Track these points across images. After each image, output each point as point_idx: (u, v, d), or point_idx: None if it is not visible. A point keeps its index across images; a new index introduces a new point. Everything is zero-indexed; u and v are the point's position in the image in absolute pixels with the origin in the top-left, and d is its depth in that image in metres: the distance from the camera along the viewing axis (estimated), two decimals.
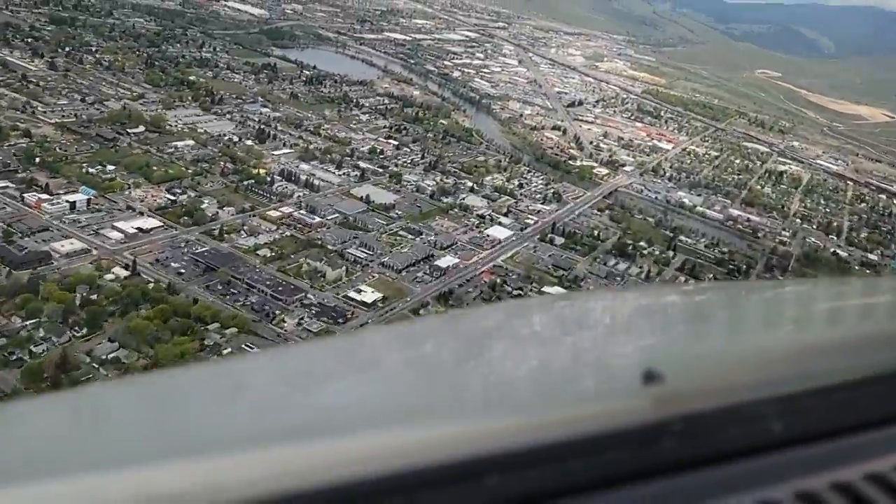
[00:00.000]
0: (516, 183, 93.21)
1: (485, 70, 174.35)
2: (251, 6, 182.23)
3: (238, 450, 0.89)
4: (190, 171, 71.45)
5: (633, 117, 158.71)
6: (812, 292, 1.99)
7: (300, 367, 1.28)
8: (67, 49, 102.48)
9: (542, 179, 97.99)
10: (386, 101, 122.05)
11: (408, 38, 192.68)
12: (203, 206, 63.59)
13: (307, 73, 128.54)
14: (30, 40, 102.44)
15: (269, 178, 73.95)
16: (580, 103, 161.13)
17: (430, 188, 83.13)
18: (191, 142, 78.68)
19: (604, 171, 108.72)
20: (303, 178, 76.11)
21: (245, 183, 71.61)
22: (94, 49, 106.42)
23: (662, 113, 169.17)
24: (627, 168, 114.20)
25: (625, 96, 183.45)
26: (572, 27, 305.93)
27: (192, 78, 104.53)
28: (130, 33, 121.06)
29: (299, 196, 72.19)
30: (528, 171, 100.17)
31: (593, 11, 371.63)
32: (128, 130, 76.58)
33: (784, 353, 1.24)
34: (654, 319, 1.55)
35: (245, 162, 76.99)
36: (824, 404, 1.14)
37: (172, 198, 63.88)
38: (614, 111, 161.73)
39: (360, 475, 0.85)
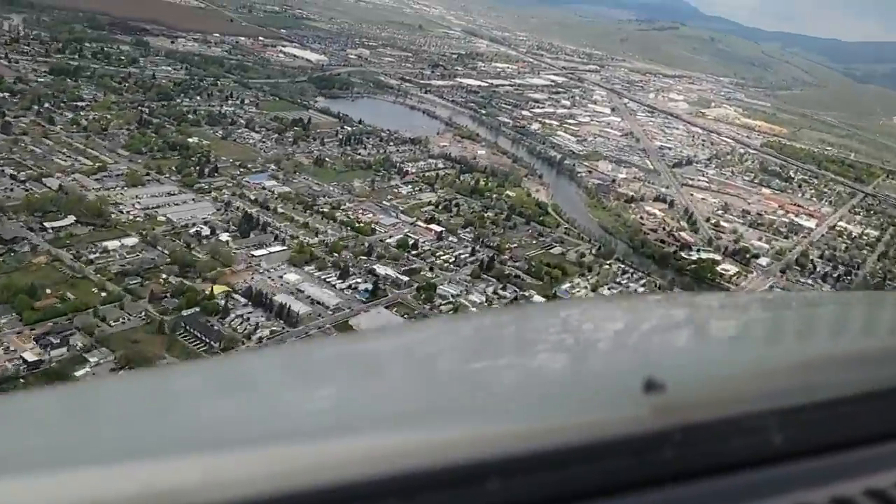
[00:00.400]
0: (606, 292, 64.00)
1: (570, 121, 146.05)
2: (311, 52, 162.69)
3: (236, 448, 0.87)
4: (104, 294, 46.91)
5: (756, 180, 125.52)
6: (815, 305, 1.94)
7: (300, 367, 1.25)
8: (46, 105, 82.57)
9: (644, 284, 68.26)
10: (439, 166, 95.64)
11: (483, 83, 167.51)
12: (79, 373, 38.40)
13: (348, 128, 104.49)
14: (5, 95, 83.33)
15: (223, 304, 48.38)
16: (689, 162, 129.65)
17: (475, 311, 55.52)
18: (134, 240, 54.53)
19: (731, 267, 77.47)
20: (279, 300, 50.05)
21: (183, 314, 46.36)
22: (83, 105, 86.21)
23: (792, 173, 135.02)
24: (762, 260, 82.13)
25: (742, 151, 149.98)
26: (672, 69, 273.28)
27: (192, 140, 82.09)
28: (144, 85, 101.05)
29: (262, 337, 46.16)
30: (624, 271, 70.69)
31: (695, 52, 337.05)
32: (44, 224, 53.44)
33: (786, 366, 1.22)
34: (657, 328, 1.50)
35: (201, 273, 52.06)
36: (826, 418, 1.12)
37: (36, 357, 39.08)
38: (732, 172, 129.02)
39: (361, 477, 0.84)
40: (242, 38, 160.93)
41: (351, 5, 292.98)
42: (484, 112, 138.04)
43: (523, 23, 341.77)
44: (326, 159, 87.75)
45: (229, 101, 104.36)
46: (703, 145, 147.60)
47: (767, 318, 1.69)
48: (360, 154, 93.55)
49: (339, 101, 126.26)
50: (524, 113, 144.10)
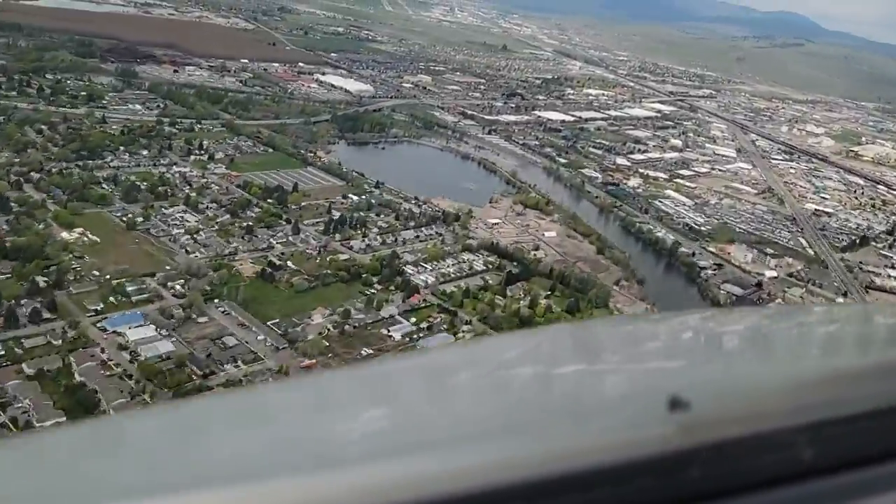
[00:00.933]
0: None
1: (683, 171, 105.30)
2: (354, 80, 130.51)
3: (262, 480, 0.86)
4: None
5: None
6: (841, 317, 1.89)
7: (326, 395, 1.23)
8: None
9: None
10: (476, 266, 58.91)
11: (568, 118, 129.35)
12: None
13: (354, 198, 69.93)
14: None
15: None
16: (863, 239, 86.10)
17: None
18: None
19: None
20: None
21: None
22: None
23: None
24: None
25: None
26: (803, 93, 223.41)
27: (66, 235, 49.43)
28: (74, 134, 70.72)
29: None
30: None
31: (825, 72, 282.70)
32: None
33: (811, 380, 1.19)
34: (680, 346, 1.49)
35: None
36: (854, 432, 1.08)
37: None
38: None
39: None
40: (276, 65, 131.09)
41: (432, 26, 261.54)
42: (564, 161, 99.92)
43: (624, 41, 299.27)
44: (287, 264, 53.09)
45: (192, 156, 72.29)
46: (873, 207, 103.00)
47: (791, 332, 1.64)
48: (350, 247, 58.36)
49: (365, 150, 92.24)
50: (619, 161, 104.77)
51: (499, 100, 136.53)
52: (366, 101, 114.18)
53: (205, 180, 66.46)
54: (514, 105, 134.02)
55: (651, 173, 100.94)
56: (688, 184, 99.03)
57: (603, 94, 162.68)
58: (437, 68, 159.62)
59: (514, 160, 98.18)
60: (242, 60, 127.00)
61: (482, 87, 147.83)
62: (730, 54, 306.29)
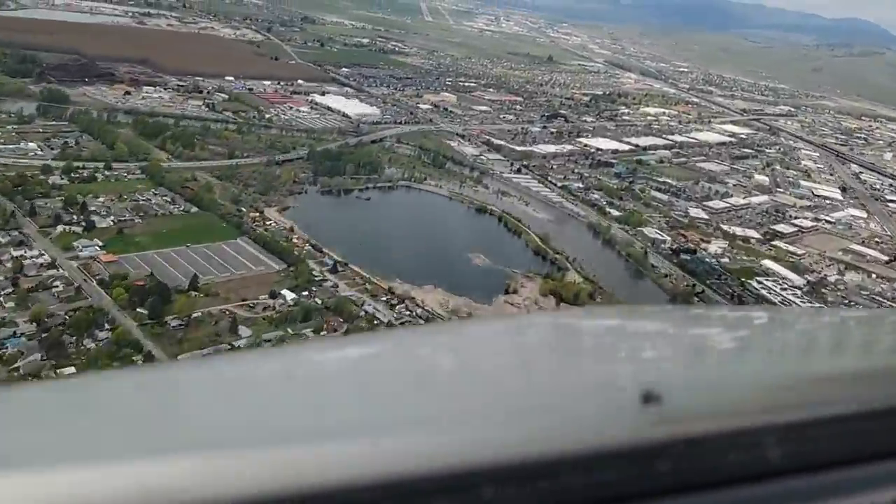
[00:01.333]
0: None
1: (781, 227, 76.03)
2: (360, 101, 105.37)
3: (231, 448, 0.84)
4: None
5: None
6: (818, 320, 1.88)
7: (299, 367, 1.20)
8: None
9: None
10: None
11: (622, 146, 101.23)
12: None
13: (287, 297, 44.02)
14: None
15: None
16: None
17: None
18: None
19: None
20: None
21: None
22: None
23: None
24: None
25: None
26: (894, 109, 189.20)
27: None
28: None
29: None
30: None
31: None
32: None
33: (786, 381, 1.18)
34: (655, 340, 1.45)
35: None
36: (824, 435, 1.08)
37: None
38: None
39: (354, 480, 0.81)
40: (267, 83, 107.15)
41: (472, 36, 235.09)
42: (617, 213, 72.07)
43: (683, 50, 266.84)
44: None
45: (61, 226, 47.61)
46: None
47: (767, 333, 1.63)
48: None
49: (342, 202, 66.24)
50: (693, 212, 76.16)
51: (536, 123, 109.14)
52: (365, 129, 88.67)
53: (52, 272, 41.55)
54: (554, 130, 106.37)
55: (738, 231, 72.05)
56: (790, 247, 69.96)
57: (664, 114, 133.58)
58: (466, 84, 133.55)
59: (549, 213, 70.84)
60: (227, 78, 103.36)
61: (518, 106, 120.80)
62: (801, 64, 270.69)
